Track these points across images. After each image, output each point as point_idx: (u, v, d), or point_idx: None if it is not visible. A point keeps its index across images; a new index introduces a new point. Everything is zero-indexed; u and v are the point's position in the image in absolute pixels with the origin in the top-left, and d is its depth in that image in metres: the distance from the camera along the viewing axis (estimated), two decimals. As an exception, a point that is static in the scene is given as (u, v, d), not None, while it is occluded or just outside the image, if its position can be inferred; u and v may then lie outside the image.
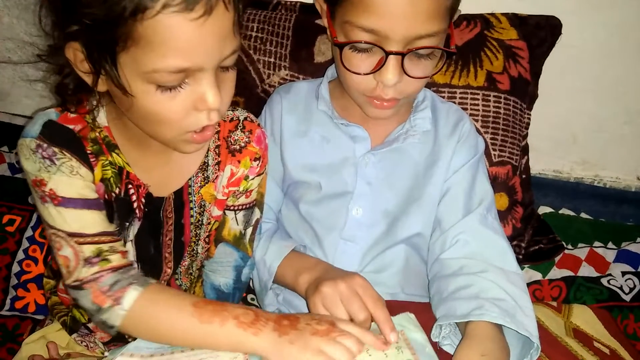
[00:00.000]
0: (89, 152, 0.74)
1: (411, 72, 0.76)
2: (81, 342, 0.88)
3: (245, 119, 0.83)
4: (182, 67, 0.62)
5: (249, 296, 1.05)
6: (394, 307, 0.77)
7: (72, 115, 0.74)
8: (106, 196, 0.76)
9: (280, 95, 0.94)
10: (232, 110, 0.83)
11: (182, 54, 0.61)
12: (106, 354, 0.67)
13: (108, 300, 0.70)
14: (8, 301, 1.05)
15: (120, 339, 0.86)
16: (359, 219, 0.87)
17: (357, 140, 0.88)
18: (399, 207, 0.87)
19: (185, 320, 0.69)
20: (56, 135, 0.72)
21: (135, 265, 0.78)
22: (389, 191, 0.87)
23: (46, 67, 0.70)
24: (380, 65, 0.75)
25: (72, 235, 0.72)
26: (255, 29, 1.06)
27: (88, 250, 0.72)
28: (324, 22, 0.83)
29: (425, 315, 0.76)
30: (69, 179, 0.71)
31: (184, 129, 0.68)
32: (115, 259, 0.73)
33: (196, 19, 0.59)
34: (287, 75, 1.07)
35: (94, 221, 0.73)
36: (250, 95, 1.06)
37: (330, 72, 0.93)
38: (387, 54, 0.74)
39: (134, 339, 0.73)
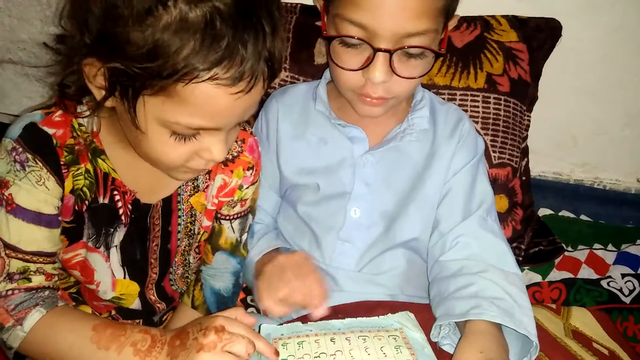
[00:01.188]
0: (62, 162, 0.72)
1: (400, 71, 0.76)
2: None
3: None
4: (204, 127, 0.64)
5: (249, 297, 1.05)
6: (394, 307, 0.77)
7: (58, 118, 0.72)
8: (76, 207, 0.75)
9: (275, 99, 0.94)
10: None
11: (209, 117, 0.63)
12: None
13: (11, 319, 0.69)
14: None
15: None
16: (356, 219, 0.87)
17: (354, 141, 0.88)
18: (397, 208, 0.87)
19: (83, 346, 0.67)
20: (34, 141, 0.70)
21: (58, 290, 0.75)
22: (387, 192, 0.87)
23: (50, 66, 0.69)
24: (368, 62, 0.75)
25: (7, 246, 0.70)
26: (255, 31, 1.06)
27: (15, 265, 0.71)
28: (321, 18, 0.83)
29: (425, 316, 0.76)
30: (32, 188, 0.70)
31: (180, 166, 0.69)
32: (37, 280, 0.72)
33: (235, 93, 0.61)
34: (287, 77, 1.07)
35: (35, 238, 0.72)
36: (251, 97, 1.07)
37: (329, 73, 0.93)
38: (375, 50, 0.74)
39: None
